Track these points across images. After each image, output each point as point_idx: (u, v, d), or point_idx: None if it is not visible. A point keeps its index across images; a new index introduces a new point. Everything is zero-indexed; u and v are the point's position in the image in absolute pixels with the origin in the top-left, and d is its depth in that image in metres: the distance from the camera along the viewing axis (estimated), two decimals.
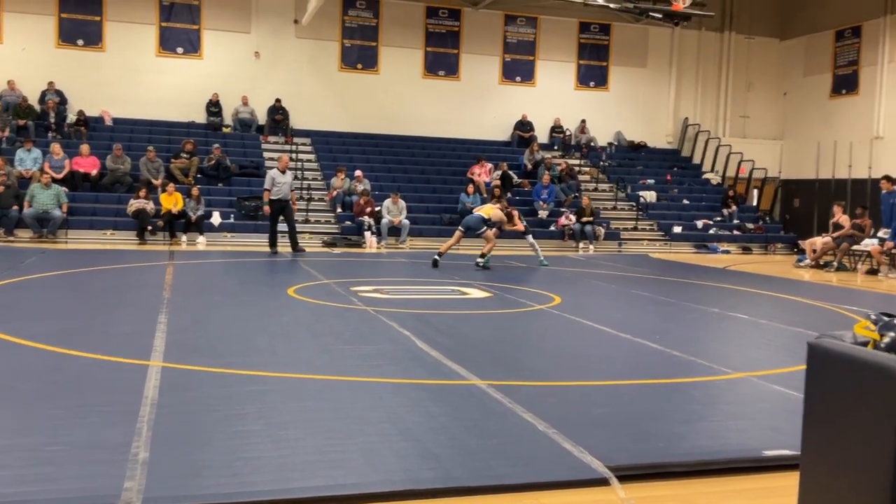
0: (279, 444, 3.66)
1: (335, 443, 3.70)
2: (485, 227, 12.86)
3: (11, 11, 18.92)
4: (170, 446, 3.58)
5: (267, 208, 14.02)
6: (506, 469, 3.45)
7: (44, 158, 16.44)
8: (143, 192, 15.98)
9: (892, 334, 2.29)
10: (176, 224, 15.98)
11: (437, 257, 12.73)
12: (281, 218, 14.21)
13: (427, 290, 9.83)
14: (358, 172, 18.13)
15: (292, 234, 14.25)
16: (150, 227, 15.76)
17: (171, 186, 16.26)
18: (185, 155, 17.83)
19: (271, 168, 19.03)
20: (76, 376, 4.85)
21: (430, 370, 5.31)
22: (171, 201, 15.99)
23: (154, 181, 16.84)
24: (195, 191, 16.33)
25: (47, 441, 3.61)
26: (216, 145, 18.45)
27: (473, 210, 13.84)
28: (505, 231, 13.70)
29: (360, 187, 17.78)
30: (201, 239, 15.99)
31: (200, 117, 20.17)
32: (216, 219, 16.53)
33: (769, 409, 4.69)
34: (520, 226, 13.77)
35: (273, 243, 14.20)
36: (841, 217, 15.91)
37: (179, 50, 20.14)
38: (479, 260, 12.74)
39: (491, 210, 13.18)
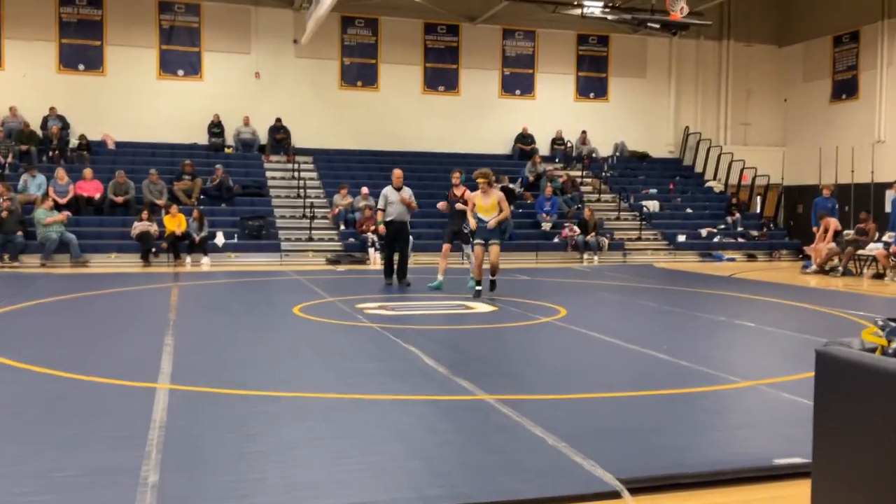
0: (287, 465, 3.65)
1: (343, 462, 3.69)
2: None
3: (12, 38, 19.04)
4: (179, 469, 3.57)
5: (382, 227, 12.02)
6: (516, 484, 3.43)
7: (48, 184, 16.51)
8: (145, 215, 16.02)
9: None
10: (180, 245, 16.00)
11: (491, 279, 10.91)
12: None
13: (432, 306, 9.81)
14: (364, 189, 18.16)
15: (402, 264, 12.08)
16: (154, 250, 15.80)
17: (174, 208, 16.30)
18: (187, 176, 17.88)
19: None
20: (83, 401, 4.84)
21: (437, 386, 5.30)
22: (175, 223, 16.03)
23: (157, 202, 16.89)
24: (196, 212, 16.37)
25: (54, 467, 3.59)
26: (219, 166, 18.51)
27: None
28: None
29: (362, 203, 17.81)
30: (205, 260, 16.01)
31: (202, 139, 20.24)
32: (220, 239, 16.55)
33: (778, 418, 4.66)
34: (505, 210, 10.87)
35: (388, 272, 12.21)
36: (831, 224, 15.80)
37: (180, 72, 20.24)
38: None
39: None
